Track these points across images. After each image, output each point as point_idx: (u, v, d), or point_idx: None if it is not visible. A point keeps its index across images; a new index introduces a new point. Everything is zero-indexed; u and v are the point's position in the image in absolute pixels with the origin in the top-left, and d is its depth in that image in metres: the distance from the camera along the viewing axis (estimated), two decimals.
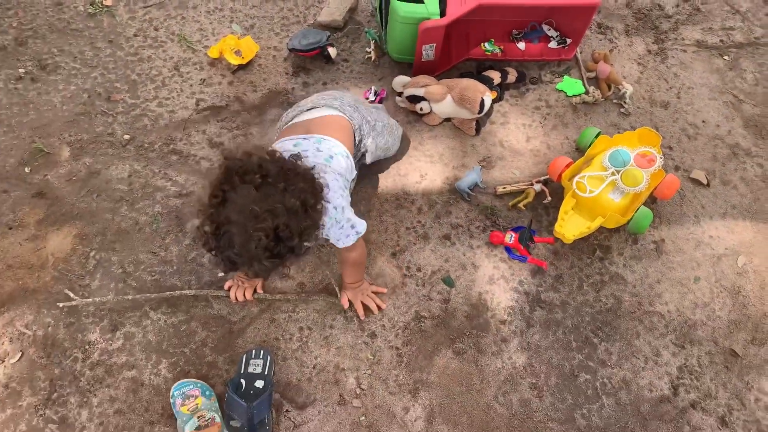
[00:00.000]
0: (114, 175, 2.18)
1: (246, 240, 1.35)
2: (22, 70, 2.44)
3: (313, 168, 1.54)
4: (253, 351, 1.83)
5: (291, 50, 2.46)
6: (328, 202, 1.56)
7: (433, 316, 1.93)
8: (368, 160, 2.03)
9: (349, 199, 1.75)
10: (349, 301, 1.92)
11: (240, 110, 2.37)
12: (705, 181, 2.21)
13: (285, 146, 1.72)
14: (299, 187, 1.44)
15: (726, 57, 2.58)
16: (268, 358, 1.82)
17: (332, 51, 2.45)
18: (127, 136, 2.27)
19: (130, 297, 1.90)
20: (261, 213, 1.35)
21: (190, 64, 2.50)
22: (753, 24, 2.69)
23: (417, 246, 2.06)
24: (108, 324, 1.89)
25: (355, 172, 1.91)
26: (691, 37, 2.64)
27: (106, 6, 2.67)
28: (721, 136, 2.35)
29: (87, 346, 1.85)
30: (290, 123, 1.90)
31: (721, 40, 2.63)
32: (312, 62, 2.50)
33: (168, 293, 1.90)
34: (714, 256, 2.06)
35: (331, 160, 1.70)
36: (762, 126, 2.37)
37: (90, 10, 2.64)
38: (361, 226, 1.70)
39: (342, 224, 1.66)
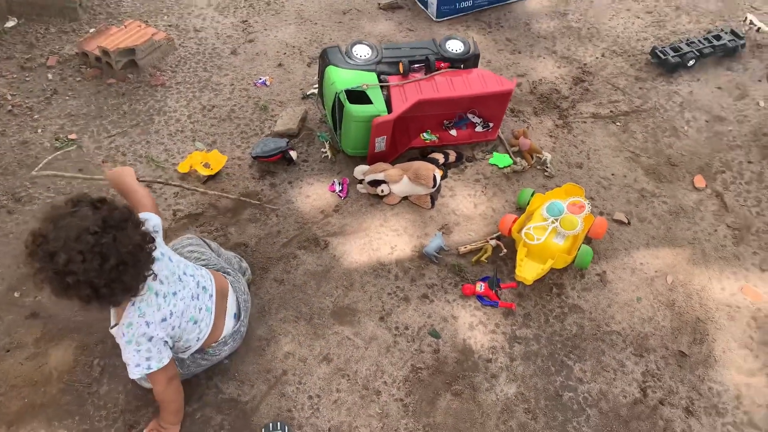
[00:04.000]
0: None
1: (62, 237, 1.42)
2: None
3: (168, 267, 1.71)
4: (271, 424, 1.95)
5: (255, 157, 2.75)
6: (133, 305, 1.61)
7: (427, 366, 2.14)
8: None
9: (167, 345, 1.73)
10: None
11: (216, 215, 2.59)
12: (626, 221, 2.63)
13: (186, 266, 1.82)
14: (125, 256, 1.46)
15: (618, 123, 3.12)
16: (286, 428, 1.94)
17: (293, 154, 2.76)
18: None
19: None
20: (78, 243, 1.40)
21: (162, 180, 2.71)
22: (632, 96, 3.28)
23: (401, 308, 2.30)
24: (122, 425, 1.95)
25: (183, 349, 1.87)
26: (587, 111, 3.18)
27: (71, 139, 2.88)
28: (629, 184, 2.81)
29: None
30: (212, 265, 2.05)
31: (611, 111, 3.19)
32: (276, 166, 2.79)
33: None
34: (648, 278, 2.44)
35: (196, 320, 1.80)
36: (658, 172, 2.87)
37: (57, 144, 2.83)
38: (158, 363, 1.67)
39: (139, 343, 1.65)
